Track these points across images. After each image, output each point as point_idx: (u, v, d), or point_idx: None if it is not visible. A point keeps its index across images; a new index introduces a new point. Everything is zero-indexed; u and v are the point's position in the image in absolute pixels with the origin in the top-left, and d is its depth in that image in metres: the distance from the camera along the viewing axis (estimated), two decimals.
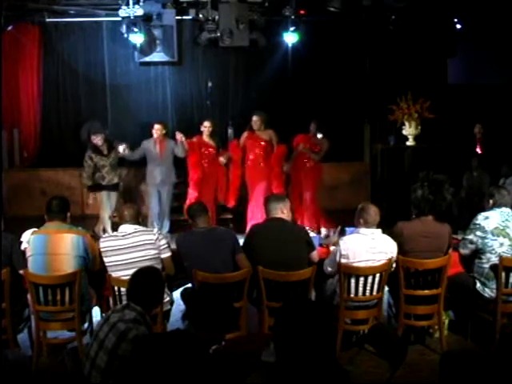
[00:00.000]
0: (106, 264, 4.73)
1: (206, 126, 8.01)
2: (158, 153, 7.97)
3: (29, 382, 4.40)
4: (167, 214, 8.13)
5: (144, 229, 4.90)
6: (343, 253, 4.72)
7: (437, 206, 4.93)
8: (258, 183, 7.97)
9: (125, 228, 4.81)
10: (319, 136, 7.95)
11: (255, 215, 7.73)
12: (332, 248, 5.13)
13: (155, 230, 5.07)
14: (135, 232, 4.77)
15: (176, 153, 7.97)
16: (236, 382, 2.92)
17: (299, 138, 8.04)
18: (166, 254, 4.82)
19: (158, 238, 4.80)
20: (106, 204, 7.67)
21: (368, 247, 4.72)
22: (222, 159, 7.97)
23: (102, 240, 4.84)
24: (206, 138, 8.00)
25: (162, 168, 7.98)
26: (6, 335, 4.64)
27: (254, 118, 7.91)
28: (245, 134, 8.09)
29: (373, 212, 4.79)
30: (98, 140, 7.74)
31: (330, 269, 4.87)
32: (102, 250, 4.75)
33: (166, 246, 4.85)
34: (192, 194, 7.89)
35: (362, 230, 4.78)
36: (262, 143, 7.95)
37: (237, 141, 8.29)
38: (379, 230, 4.82)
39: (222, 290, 3.34)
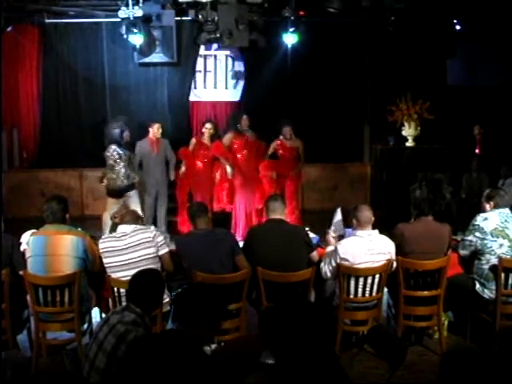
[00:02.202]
0: (106, 265, 4.73)
1: (207, 128, 8.03)
2: (155, 152, 7.97)
3: (28, 383, 4.41)
4: (164, 215, 8.13)
5: (141, 227, 4.90)
6: (342, 256, 4.71)
7: (437, 204, 4.93)
8: (247, 185, 8.02)
9: (123, 228, 4.82)
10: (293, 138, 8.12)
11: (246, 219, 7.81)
12: (328, 249, 5.08)
13: (152, 227, 5.04)
14: (133, 232, 4.78)
15: (167, 154, 8.07)
16: (235, 383, 2.93)
17: (278, 146, 8.15)
18: (164, 250, 4.84)
19: (155, 235, 4.81)
20: (115, 208, 7.45)
21: (366, 249, 4.72)
22: (229, 171, 7.94)
23: (101, 241, 4.84)
24: (205, 139, 8.01)
25: (157, 167, 7.99)
26: (6, 336, 4.64)
27: (244, 116, 8.02)
28: (230, 136, 8.07)
29: (365, 211, 4.78)
30: (128, 137, 7.52)
31: (329, 274, 4.85)
32: (101, 251, 4.76)
33: (164, 242, 4.88)
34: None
35: (359, 232, 4.77)
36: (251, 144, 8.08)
37: (220, 142, 8.17)
38: (376, 231, 4.82)
39: (212, 290, 3.31)
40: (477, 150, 9.58)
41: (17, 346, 4.80)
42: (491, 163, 8.79)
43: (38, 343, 4.71)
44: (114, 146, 7.26)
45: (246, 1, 8.26)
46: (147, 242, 4.75)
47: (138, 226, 4.87)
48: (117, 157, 7.24)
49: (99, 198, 9.91)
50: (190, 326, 2.97)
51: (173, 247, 5.03)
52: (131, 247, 4.71)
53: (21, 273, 4.65)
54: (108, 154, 7.29)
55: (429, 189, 4.93)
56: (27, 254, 4.67)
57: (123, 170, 7.26)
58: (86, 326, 4.82)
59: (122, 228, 4.84)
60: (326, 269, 4.83)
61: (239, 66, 10.61)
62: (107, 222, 7.39)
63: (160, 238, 4.85)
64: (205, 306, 3.04)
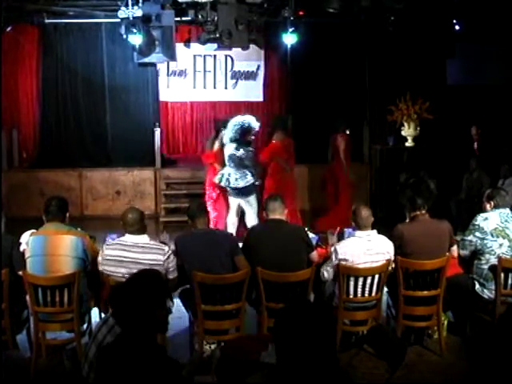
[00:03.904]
0: (105, 272, 4.56)
1: None
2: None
3: (28, 383, 4.40)
4: None
5: (154, 246, 4.62)
6: (340, 257, 4.71)
7: (424, 196, 4.91)
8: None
9: (132, 239, 4.56)
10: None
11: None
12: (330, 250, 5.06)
13: (166, 248, 4.64)
14: (144, 247, 4.54)
15: None
16: (235, 383, 2.93)
17: (343, 139, 8.55)
18: (173, 275, 4.61)
19: (167, 259, 4.54)
20: (233, 209, 7.29)
21: (365, 249, 4.72)
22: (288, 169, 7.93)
23: (106, 247, 4.64)
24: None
25: None
26: (6, 336, 4.63)
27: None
28: (282, 136, 7.91)
29: (364, 214, 4.79)
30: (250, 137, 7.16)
31: (326, 275, 4.83)
32: (105, 257, 4.57)
33: (174, 267, 4.62)
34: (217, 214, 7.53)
35: (358, 232, 4.78)
36: None
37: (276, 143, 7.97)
38: (374, 231, 4.82)
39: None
40: (475, 150, 9.57)
41: (16, 346, 4.79)
42: (491, 163, 8.79)
43: (38, 343, 4.70)
44: (233, 145, 7.02)
45: (245, 1, 8.25)
46: (156, 264, 4.45)
47: (149, 244, 4.59)
48: (237, 155, 6.99)
49: (98, 198, 9.95)
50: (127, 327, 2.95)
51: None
52: (138, 263, 4.41)
53: (20, 273, 4.64)
54: (227, 152, 7.06)
55: (412, 182, 4.96)
56: (27, 254, 4.66)
57: (239, 170, 7.00)
58: (85, 326, 4.81)
59: (130, 238, 4.58)
60: (324, 270, 4.82)
61: (241, 66, 10.60)
62: (229, 224, 7.26)
63: (172, 264, 4.58)
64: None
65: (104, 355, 2.90)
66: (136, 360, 2.76)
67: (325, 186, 8.91)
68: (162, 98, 10.88)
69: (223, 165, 7.30)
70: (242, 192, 7.10)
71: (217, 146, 7.48)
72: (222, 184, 7.15)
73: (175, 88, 10.86)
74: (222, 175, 7.12)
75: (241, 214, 7.34)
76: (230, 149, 7.03)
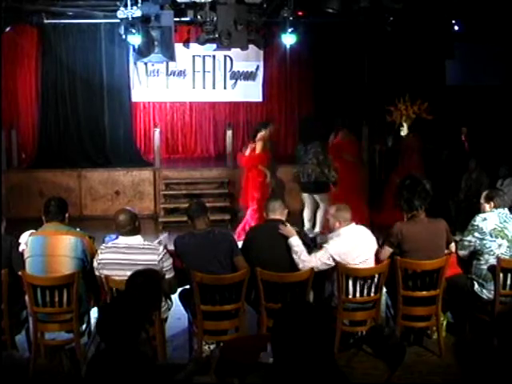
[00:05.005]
0: (104, 276, 4.51)
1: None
2: None
3: None
4: None
5: (148, 246, 4.56)
6: (335, 257, 4.72)
7: (421, 196, 4.92)
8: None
9: (125, 240, 4.54)
10: None
11: None
12: (294, 241, 4.85)
13: (161, 248, 4.59)
14: (138, 249, 4.50)
15: None
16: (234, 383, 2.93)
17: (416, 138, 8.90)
18: (170, 275, 4.55)
19: (161, 258, 4.47)
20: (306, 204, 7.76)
21: (354, 245, 4.77)
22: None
23: (100, 252, 4.59)
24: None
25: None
26: (5, 337, 4.63)
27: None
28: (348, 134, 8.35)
29: (347, 210, 4.89)
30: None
31: (320, 268, 4.81)
32: (100, 261, 4.53)
33: (170, 267, 4.56)
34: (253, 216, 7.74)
35: (342, 230, 4.81)
36: None
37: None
38: (353, 224, 4.89)
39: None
40: (466, 149, 9.59)
41: (15, 346, 4.79)
42: (490, 163, 8.80)
43: (37, 344, 4.70)
44: (312, 145, 7.50)
45: (244, 1, 8.25)
46: (151, 265, 4.37)
47: (142, 244, 4.55)
48: (309, 153, 7.53)
49: (98, 198, 9.94)
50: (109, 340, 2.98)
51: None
52: (133, 265, 4.33)
53: (19, 273, 4.63)
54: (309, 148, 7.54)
55: (408, 185, 5.00)
56: (26, 255, 4.66)
57: (310, 167, 7.49)
58: (84, 326, 4.80)
59: (125, 240, 4.55)
60: (318, 264, 4.75)
61: (240, 67, 10.60)
62: (305, 220, 7.75)
63: (167, 263, 4.51)
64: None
65: (90, 370, 2.92)
66: (122, 372, 2.78)
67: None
68: (161, 98, 10.89)
69: (268, 166, 7.77)
70: (321, 187, 7.60)
71: (260, 147, 7.79)
72: (303, 180, 7.62)
73: (174, 88, 10.85)
74: (303, 170, 7.55)
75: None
76: (312, 146, 7.50)
